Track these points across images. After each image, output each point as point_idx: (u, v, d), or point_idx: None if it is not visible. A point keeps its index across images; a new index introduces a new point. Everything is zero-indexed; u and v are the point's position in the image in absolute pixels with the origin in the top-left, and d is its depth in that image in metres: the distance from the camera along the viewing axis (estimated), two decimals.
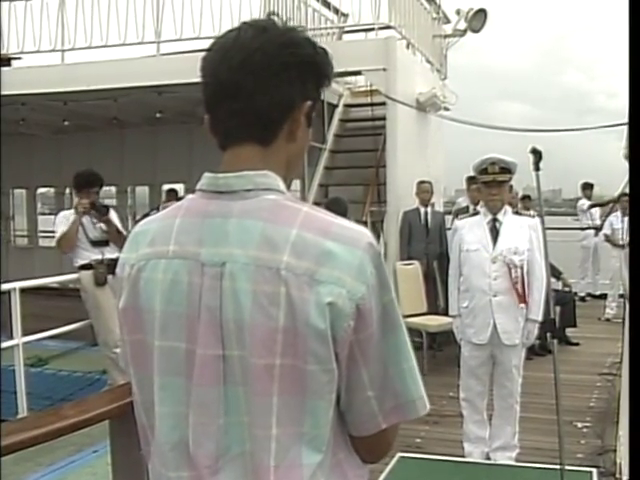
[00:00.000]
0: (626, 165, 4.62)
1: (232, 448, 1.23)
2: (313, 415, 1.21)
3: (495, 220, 4.52)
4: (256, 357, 1.18)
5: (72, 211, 6.38)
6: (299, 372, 1.18)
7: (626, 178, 4.86)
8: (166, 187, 11.64)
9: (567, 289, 8.76)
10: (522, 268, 4.44)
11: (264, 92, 1.24)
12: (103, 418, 3.11)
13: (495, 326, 4.46)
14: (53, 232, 6.68)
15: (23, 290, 5.89)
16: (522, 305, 4.47)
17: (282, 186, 1.27)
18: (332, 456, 1.25)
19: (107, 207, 6.30)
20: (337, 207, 5.32)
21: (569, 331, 8.26)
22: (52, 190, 14.53)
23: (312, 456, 1.21)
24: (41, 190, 15.16)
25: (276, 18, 1.30)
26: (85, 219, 6.26)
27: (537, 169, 3.86)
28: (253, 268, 1.18)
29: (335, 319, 1.17)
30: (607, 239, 10.09)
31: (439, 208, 9.25)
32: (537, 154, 3.83)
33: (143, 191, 13.69)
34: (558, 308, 8.18)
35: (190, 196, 1.33)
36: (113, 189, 13.60)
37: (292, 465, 1.20)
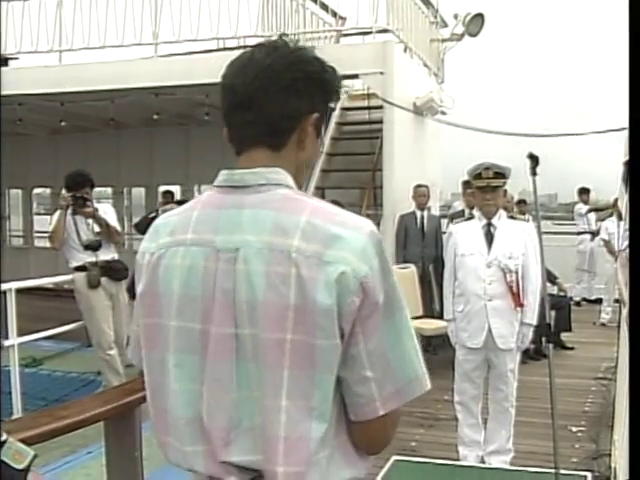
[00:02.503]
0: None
1: (243, 422, 1.32)
2: (321, 389, 1.30)
3: (490, 225, 4.53)
4: (268, 332, 1.28)
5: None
6: (308, 347, 1.28)
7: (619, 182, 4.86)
8: (162, 188, 11.64)
9: (562, 294, 8.77)
10: (517, 273, 4.46)
11: (274, 104, 1.38)
12: (98, 419, 3.11)
13: (490, 330, 4.47)
14: (48, 232, 6.68)
15: (18, 290, 5.89)
16: (517, 309, 4.48)
17: (292, 182, 1.40)
18: (337, 434, 1.34)
19: (85, 199, 6.25)
20: None
21: (564, 335, 8.27)
22: (48, 190, 14.50)
23: (319, 429, 1.30)
24: (37, 190, 15.16)
25: (287, 39, 1.45)
26: (79, 220, 6.25)
27: (534, 174, 3.88)
28: (266, 252, 1.30)
29: (341, 295, 1.27)
30: (605, 244, 10.09)
31: (435, 212, 9.25)
32: (534, 159, 3.84)
33: (139, 192, 13.67)
34: (553, 313, 8.19)
35: (207, 192, 1.46)
36: (109, 190, 13.60)
37: (301, 437, 1.29)
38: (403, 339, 1.35)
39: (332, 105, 1.48)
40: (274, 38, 1.49)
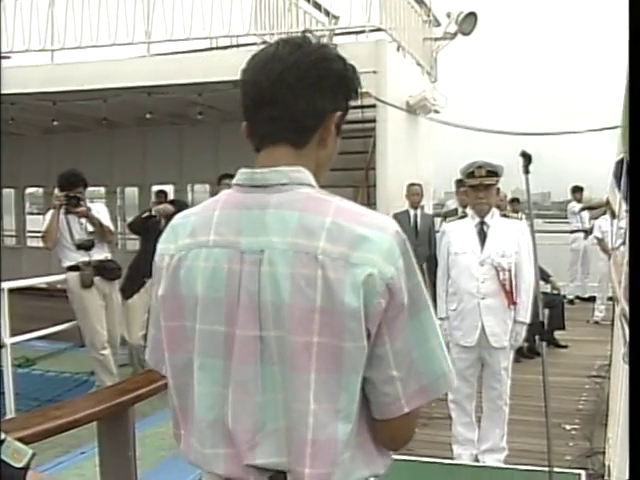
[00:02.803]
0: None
1: (267, 424, 1.32)
2: (348, 391, 1.30)
3: (483, 223, 4.54)
4: (295, 335, 1.28)
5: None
6: (335, 349, 1.28)
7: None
8: (156, 188, 11.59)
9: (556, 292, 8.79)
10: (510, 271, 4.46)
11: (299, 101, 1.37)
12: (91, 420, 3.10)
13: (483, 328, 4.48)
14: (41, 232, 6.65)
15: (11, 290, 5.86)
16: (511, 307, 4.48)
17: (313, 181, 1.39)
18: (358, 434, 1.34)
19: (78, 198, 6.22)
20: None
21: (558, 334, 8.28)
22: (41, 190, 14.45)
23: (345, 431, 1.31)
24: (30, 190, 15.09)
25: (310, 35, 1.45)
26: (72, 220, 6.23)
27: (527, 172, 3.88)
28: (291, 254, 1.29)
29: (367, 297, 1.27)
30: (599, 242, 10.10)
31: (429, 211, 9.25)
32: (527, 157, 3.85)
33: (133, 192, 13.61)
34: (547, 311, 8.21)
35: (226, 191, 1.45)
36: (102, 190, 13.55)
37: (329, 440, 1.30)
38: (429, 337, 1.35)
39: (351, 103, 1.48)
40: (296, 34, 1.49)
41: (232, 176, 1.45)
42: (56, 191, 6.40)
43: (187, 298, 1.38)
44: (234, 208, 1.39)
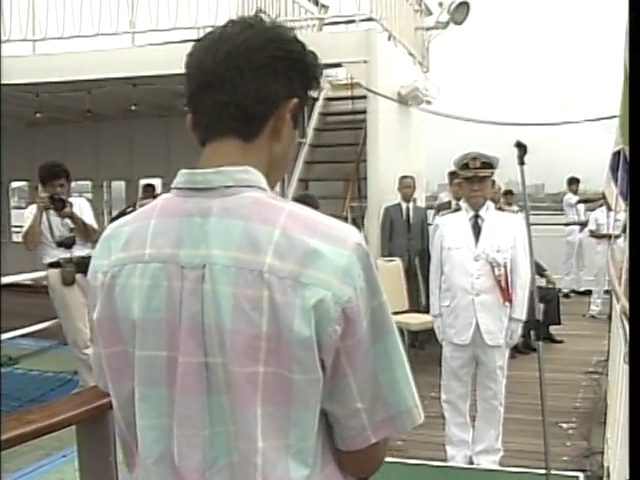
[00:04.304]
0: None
1: (219, 459, 1.18)
2: (299, 426, 1.16)
3: (477, 217, 4.40)
4: (237, 365, 1.13)
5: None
6: (284, 381, 1.13)
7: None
8: (143, 182, 11.46)
9: (551, 286, 8.68)
10: (505, 266, 4.33)
11: (249, 85, 1.21)
12: (69, 423, 2.93)
13: (478, 326, 4.35)
14: (22, 232, 6.49)
15: None
16: (506, 304, 4.35)
17: (264, 183, 1.22)
18: (320, 470, 1.20)
19: (63, 200, 6.08)
20: (307, 204, 5.01)
21: (553, 329, 8.17)
22: (26, 184, 14.29)
23: (300, 470, 1.16)
24: (15, 184, 14.90)
25: (264, 15, 1.31)
26: (52, 216, 6.07)
27: (522, 163, 3.73)
28: (234, 270, 1.13)
29: (320, 323, 1.11)
30: (592, 234, 10.00)
31: (421, 203, 9.12)
32: (522, 148, 3.70)
33: (119, 186, 13.53)
34: (542, 305, 8.09)
35: (165, 195, 1.27)
36: (89, 184, 13.44)
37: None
38: (393, 366, 1.20)
39: (312, 93, 1.32)
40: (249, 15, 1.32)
41: None
42: (39, 189, 6.23)
43: (124, 321, 1.22)
44: (173, 216, 1.21)
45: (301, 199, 5.96)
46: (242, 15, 1.32)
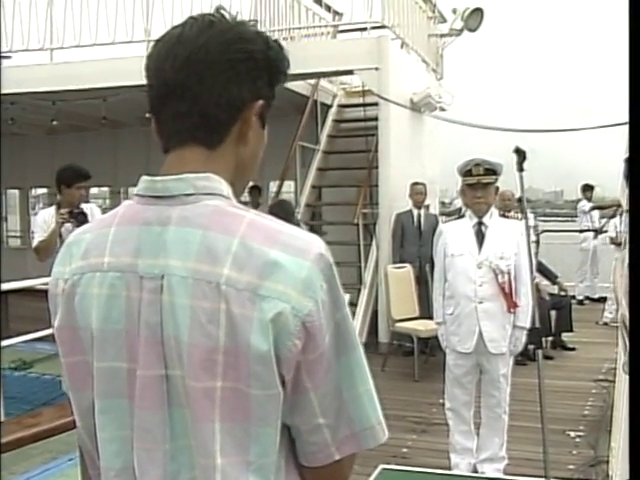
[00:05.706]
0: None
1: (181, 474, 1.14)
2: (259, 442, 1.11)
3: (481, 224, 4.36)
4: (194, 380, 1.09)
5: (51, 211, 6.15)
6: (242, 396, 1.09)
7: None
8: None
9: (563, 293, 8.61)
10: (509, 274, 4.28)
11: (210, 92, 1.15)
12: (71, 428, 2.97)
13: (481, 334, 4.30)
14: (36, 244, 6.46)
15: (13, 291, 5.77)
16: (510, 311, 4.31)
17: (227, 191, 1.17)
18: None
19: (85, 214, 6.05)
20: (280, 211, 4.85)
21: (565, 336, 8.11)
22: (46, 190, 14.46)
23: None
24: (35, 190, 15.07)
25: (225, 12, 1.21)
26: (66, 224, 6.07)
27: (521, 170, 3.71)
28: (191, 282, 1.09)
29: (278, 338, 1.07)
30: (612, 242, 9.91)
31: (434, 210, 9.11)
32: (521, 154, 3.67)
33: None
34: (554, 312, 8.05)
35: (127, 202, 1.23)
36: (106, 190, 13.52)
37: None
38: (357, 382, 1.16)
39: (280, 85, 1.26)
40: (209, 11, 1.23)
41: None
42: (58, 197, 6.21)
43: (84, 330, 1.19)
44: (132, 224, 1.17)
45: (276, 206, 5.92)
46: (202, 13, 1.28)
